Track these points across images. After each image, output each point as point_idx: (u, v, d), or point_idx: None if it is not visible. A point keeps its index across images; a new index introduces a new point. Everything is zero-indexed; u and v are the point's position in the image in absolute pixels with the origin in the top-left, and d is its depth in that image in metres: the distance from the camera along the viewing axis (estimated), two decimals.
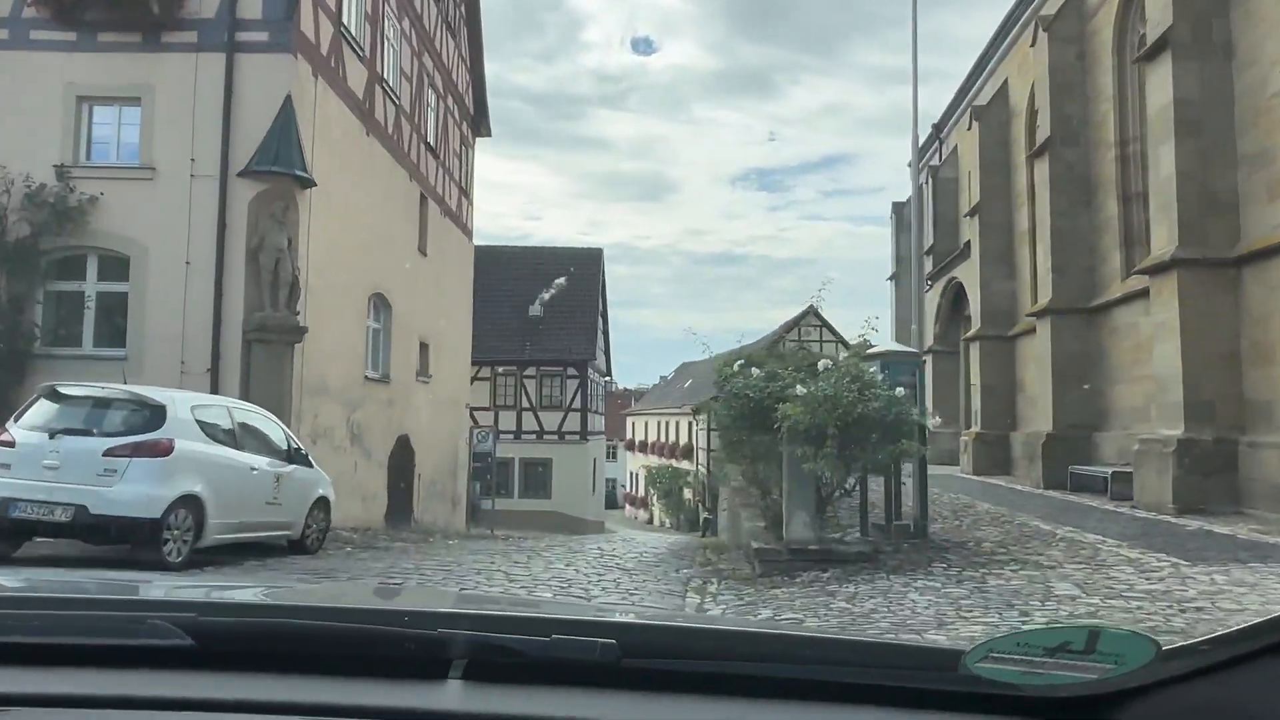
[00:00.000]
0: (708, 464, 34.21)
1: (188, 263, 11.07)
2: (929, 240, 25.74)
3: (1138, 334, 13.73)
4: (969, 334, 20.67)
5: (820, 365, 8.20)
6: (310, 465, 8.74)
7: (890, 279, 30.42)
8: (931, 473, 11.43)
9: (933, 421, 7.76)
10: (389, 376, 16.27)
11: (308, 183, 11.57)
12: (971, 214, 20.79)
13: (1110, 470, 13.10)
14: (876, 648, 1.34)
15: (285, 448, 8.10)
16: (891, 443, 7.23)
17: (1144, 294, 13.45)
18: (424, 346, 19.03)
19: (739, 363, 9.57)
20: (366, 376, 15.05)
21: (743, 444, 11.00)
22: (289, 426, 11.20)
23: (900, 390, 7.63)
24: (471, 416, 30.74)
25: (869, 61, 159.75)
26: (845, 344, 34.34)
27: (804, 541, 7.28)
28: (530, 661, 1.06)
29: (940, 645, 1.51)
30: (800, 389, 7.36)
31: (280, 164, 11.05)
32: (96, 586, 1.81)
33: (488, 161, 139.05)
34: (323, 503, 8.76)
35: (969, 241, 21.12)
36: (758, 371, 8.72)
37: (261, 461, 7.56)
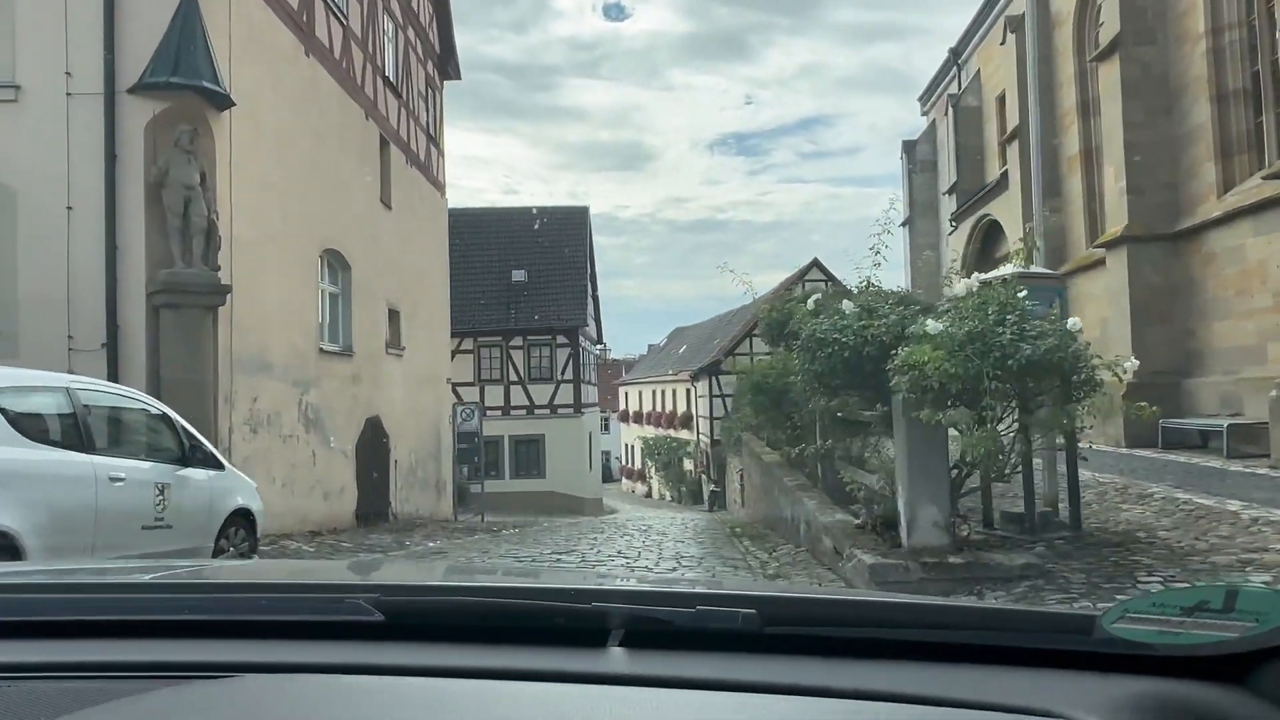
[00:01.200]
0: (710, 433, 32.01)
1: (69, 208, 8.56)
2: (950, 178, 23.34)
3: (1244, 258, 11.45)
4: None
5: (959, 287, 5.84)
6: (221, 467, 6.33)
7: (903, 224, 28.04)
8: None
9: (1128, 365, 5.41)
10: (351, 349, 13.84)
11: (222, 100, 9.05)
12: (1009, 140, 18.40)
13: (1224, 422, 10.89)
14: (1014, 614, 1.41)
15: (178, 446, 5.70)
16: (1071, 398, 4.93)
17: (1253, 210, 11.13)
18: (394, 314, 16.58)
19: (814, 298, 7.25)
20: (323, 349, 12.62)
21: (801, 411, 8.70)
22: (216, 412, 8.79)
23: (1074, 322, 5.29)
24: (455, 393, 28.33)
25: (843, 20, 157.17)
26: (851, 296, 32.09)
27: (938, 550, 4.98)
28: (679, 630, 1.14)
29: (1077, 611, 1.37)
30: (932, 324, 4.99)
31: (183, 74, 8.53)
32: (299, 570, 2.50)
33: (462, 136, 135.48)
34: (242, 517, 6.37)
35: (1005, 172, 18.76)
36: (851, 307, 6.35)
37: (132, 468, 5.15)
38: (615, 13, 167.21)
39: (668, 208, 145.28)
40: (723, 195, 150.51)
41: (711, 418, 31.92)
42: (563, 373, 28.57)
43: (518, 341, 28.50)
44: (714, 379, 31.96)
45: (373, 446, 14.79)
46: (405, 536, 13.28)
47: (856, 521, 6.17)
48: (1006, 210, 18.89)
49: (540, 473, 28.40)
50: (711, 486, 28.93)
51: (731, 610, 1.13)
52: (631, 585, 1.71)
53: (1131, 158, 13.16)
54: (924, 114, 28.40)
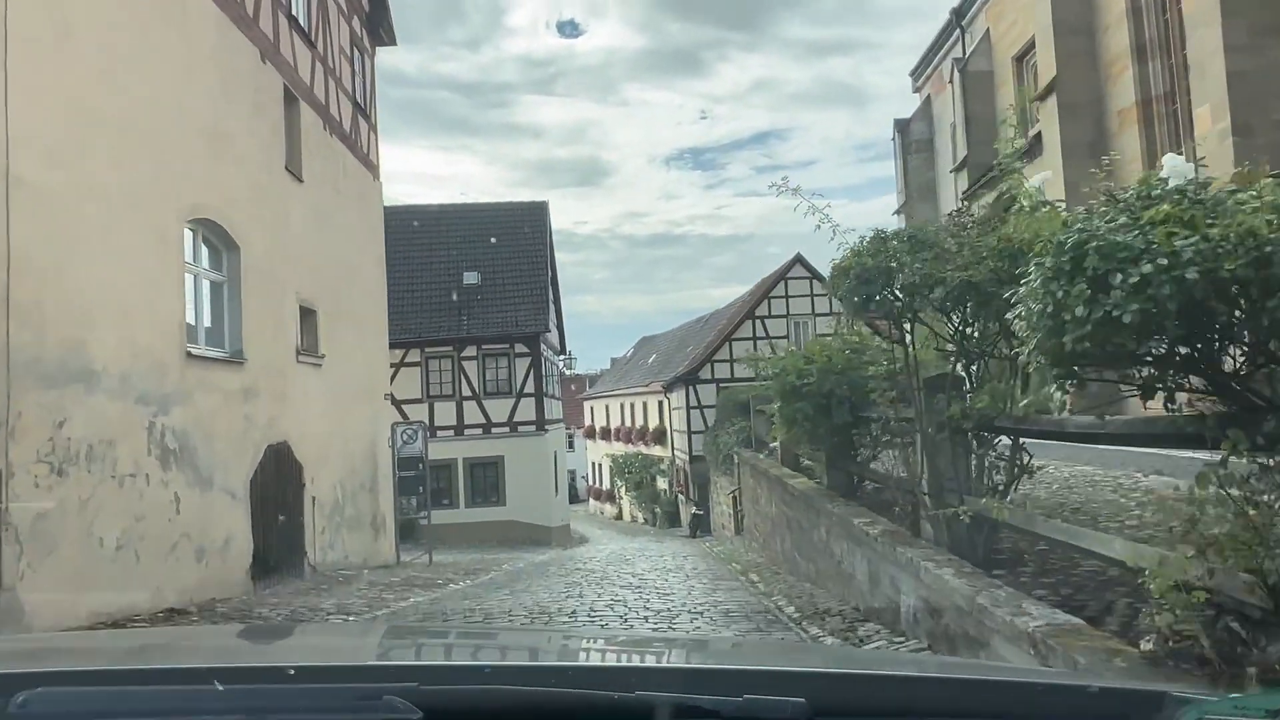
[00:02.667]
0: (688, 449, 28.96)
1: None
2: (959, 151, 20.66)
3: None
4: None
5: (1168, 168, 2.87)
6: None
7: (897, 213, 25.37)
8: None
9: None
10: (242, 354, 10.52)
11: None
12: (1043, 96, 15.70)
13: None
14: (1078, 690, 1.36)
15: None
16: None
17: None
18: (308, 314, 13.29)
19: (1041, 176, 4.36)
20: (193, 354, 9.30)
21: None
22: None
23: None
24: (400, 411, 24.92)
25: (795, 35, 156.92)
26: None
27: None
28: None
29: (1146, 688, 1.34)
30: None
31: None
32: (317, 653, 1.99)
33: (417, 154, 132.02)
34: None
35: (1039, 134, 16.06)
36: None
37: None
38: (569, 30, 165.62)
39: (625, 222, 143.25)
40: (680, 209, 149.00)
41: (689, 431, 28.89)
42: (523, 386, 25.35)
43: (471, 352, 25.23)
44: (691, 389, 28.96)
45: (278, 481, 11.45)
46: (318, 598, 9.97)
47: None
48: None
49: (499, 499, 25.09)
50: (694, 509, 25.84)
51: (780, 700, 1.16)
52: (676, 662, 1.85)
53: (1238, 91, 10.43)
54: (915, 90, 25.84)
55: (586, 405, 49.28)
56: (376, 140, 18.42)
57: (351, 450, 15.14)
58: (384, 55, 18.04)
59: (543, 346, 26.66)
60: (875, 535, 5.82)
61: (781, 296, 29.13)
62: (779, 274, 29.47)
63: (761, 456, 13.32)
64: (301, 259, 12.96)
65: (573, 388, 57.91)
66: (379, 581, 12.20)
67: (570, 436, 58.61)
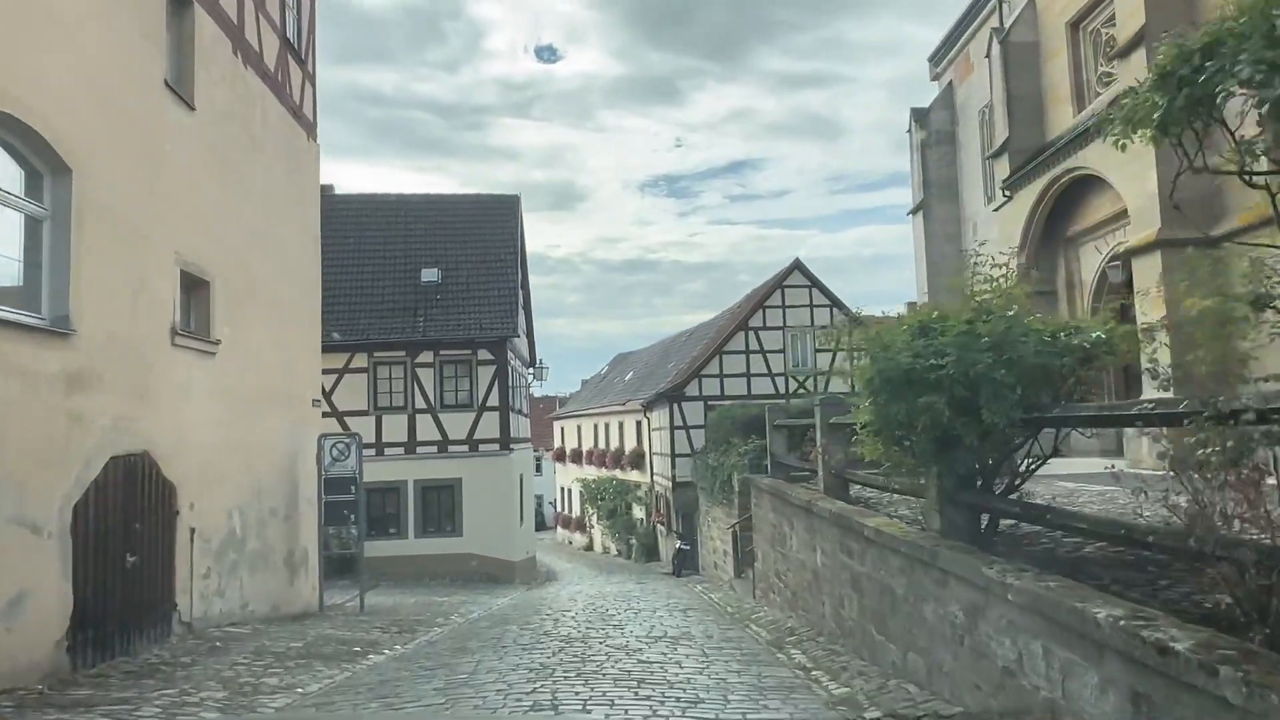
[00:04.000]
0: (671, 474, 25.84)
1: None
2: (999, 136, 17.96)
3: None
4: (1135, 243, 12.82)
5: None
6: None
7: (913, 213, 22.66)
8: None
9: None
10: (69, 324, 7.30)
11: None
12: (1126, 51, 12.99)
13: None
14: None
15: None
16: None
17: None
18: (197, 285, 10.09)
19: None
20: None
21: None
22: None
23: None
24: (341, 424, 21.57)
25: (771, 67, 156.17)
26: (841, 305, 26.38)
27: None
28: None
29: None
30: None
31: None
32: None
33: (392, 174, 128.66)
34: None
35: (1115, 100, 13.29)
36: None
37: None
38: (547, 55, 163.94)
39: (599, 247, 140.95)
40: (654, 236, 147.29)
41: (673, 454, 25.78)
42: (486, 399, 22.12)
43: (426, 358, 21.99)
44: (675, 407, 25.90)
45: (128, 508, 8.17)
46: (154, 688, 6.70)
47: None
48: (1112, 158, 13.42)
49: (455, 529, 21.74)
50: (678, 543, 22.67)
51: None
52: None
53: None
54: (934, 77, 23.24)
55: (556, 425, 46.02)
56: (314, 96, 15.30)
57: (259, 468, 11.85)
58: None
59: (510, 355, 23.49)
60: (1184, 651, 2.74)
61: (777, 306, 26.26)
62: (775, 281, 26.61)
63: (792, 485, 10.26)
64: (189, 211, 9.76)
65: (541, 406, 54.62)
66: (272, 647, 8.90)
67: (538, 459, 55.23)
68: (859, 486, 8.68)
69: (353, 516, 13.98)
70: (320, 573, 13.86)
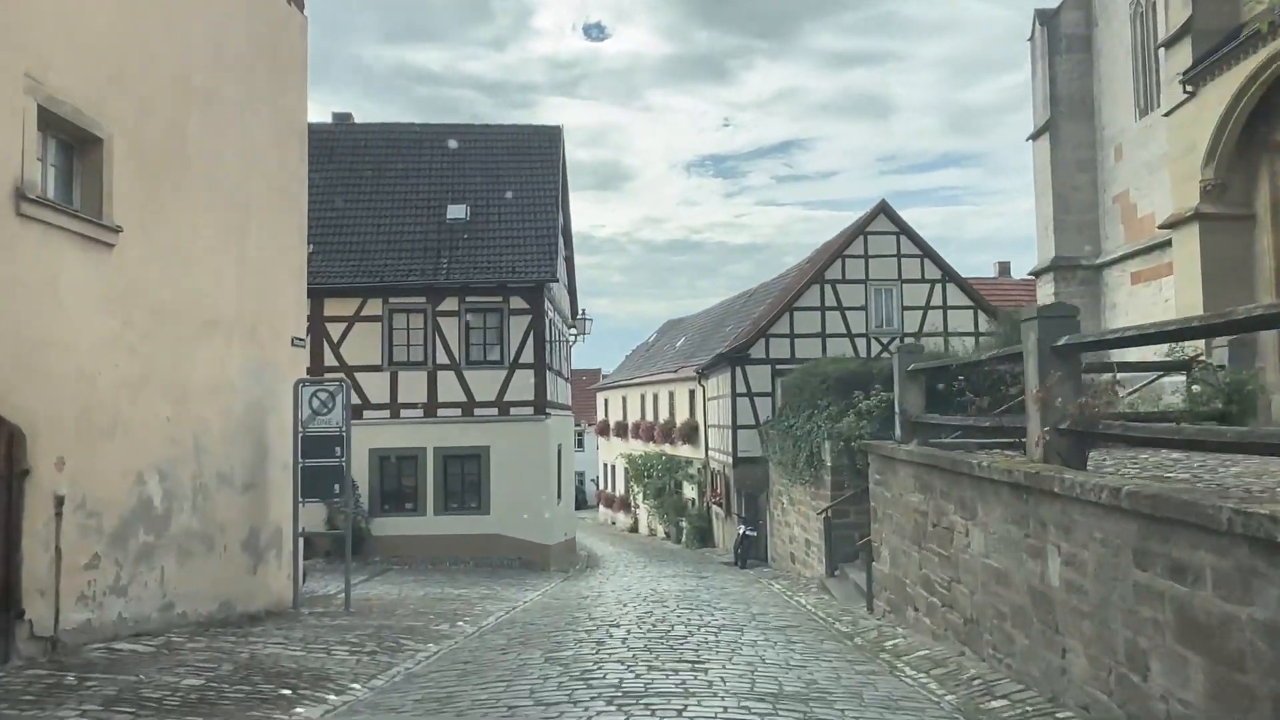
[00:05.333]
0: (731, 448, 22.39)
1: None
2: (1176, 16, 13.98)
3: None
4: None
5: None
6: None
7: (1034, 137, 18.72)
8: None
9: None
10: None
11: None
12: None
13: None
14: None
15: None
16: None
17: None
18: (81, 140, 6.87)
19: None
20: None
21: None
22: None
23: None
24: (351, 380, 18.44)
25: (821, 45, 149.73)
26: (935, 257, 22.57)
27: None
28: None
29: None
30: None
31: None
32: None
33: None
34: None
35: None
36: None
37: None
38: (595, 33, 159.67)
39: (644, 227, 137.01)
40: (699, 216, 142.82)
41: (734, 426, 22.31)
42: (518, 354, 18.85)
43: (450, 305, 18.77)
44: (737, 372, 22.39)
45: None
46: None
47: None
48: None
49: (480, 505, 18.57)
50: (741, 528, 19.22)
51: None
52: None
53: None
54: None
55: (600, 397, 42.81)
56: None
57: (198, 418, 8.66)
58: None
59: (547, 306, 20.17)
60: None
61: (859, 256, 22.51)
62: (857, 227, 22.84)
63: (970, 452, 6.72)
64: (61, 23, 6.50)
65: (584, 379, 51.45)
66: (154, 685, 5.66)
67: (579, 433, 52.14)
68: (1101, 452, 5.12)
69: (338, 487, 10.76)
70: (298, 559, 10.69)
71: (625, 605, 10.21)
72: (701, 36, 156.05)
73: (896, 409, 8.88)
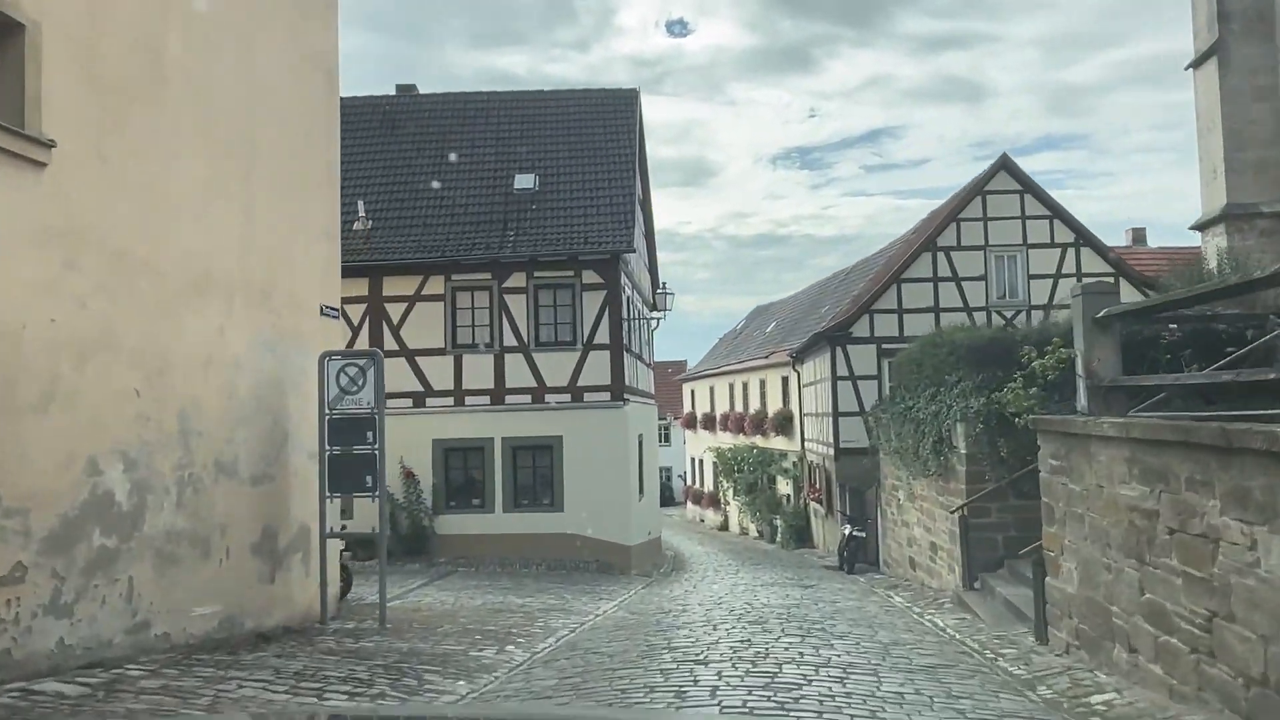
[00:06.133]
0: (832, 437, 20.09)
1: None
2: None
3: None
4: None
5: None
6: None
7: (1198, 63, 15.76)
8: None
9: None
10: None
11: None
12: None
13: None
14: None
15: None
16: None
17: None
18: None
19: None
20: None
21: None
22: None
23: None
24: (412, 365, 17.00)
25: (910, 29, 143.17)
26: (1066, 217, 19.63)
27: None
28: None
29: None
30: None
31: None
32: None
33: None
34: None
35: None
36: None
37: None
38: (678, 29, 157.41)
39: (729, 223, 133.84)
40: (785, 210, 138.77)
41: (835, 413, 19.98)
42: (593, 334, 17.01)
43: (518, 280, 17.06)
44: (838, 353, 20.03)
45: None
46: None
47: None
48: None
49: (554, 502, 16.81)
50: (848, 528, 16.89)
51: None
52: None
53: None
54: None
55: (685, 389, 40.78)
56: None
57: (184, 395, 7.04)
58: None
59: (624, 281, 18.27)
60: None
61: (976, 219, 19.82)
62: (974, 187, 20.12)
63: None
64: None
65: (670, 371, 49.52)
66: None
67: (665, 426, 50.21)
68: None
69: (370, 479, 9.04)
70: (324, 564, 9.03)
71: (716, 627, 8.15)
72: (785, 26, 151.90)
73: (1080, 372, 6.56)
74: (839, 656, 6.33)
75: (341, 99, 22.08)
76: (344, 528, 12.86)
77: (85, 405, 5.93)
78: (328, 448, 9.03)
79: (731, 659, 6.28)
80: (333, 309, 10.11)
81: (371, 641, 7.85)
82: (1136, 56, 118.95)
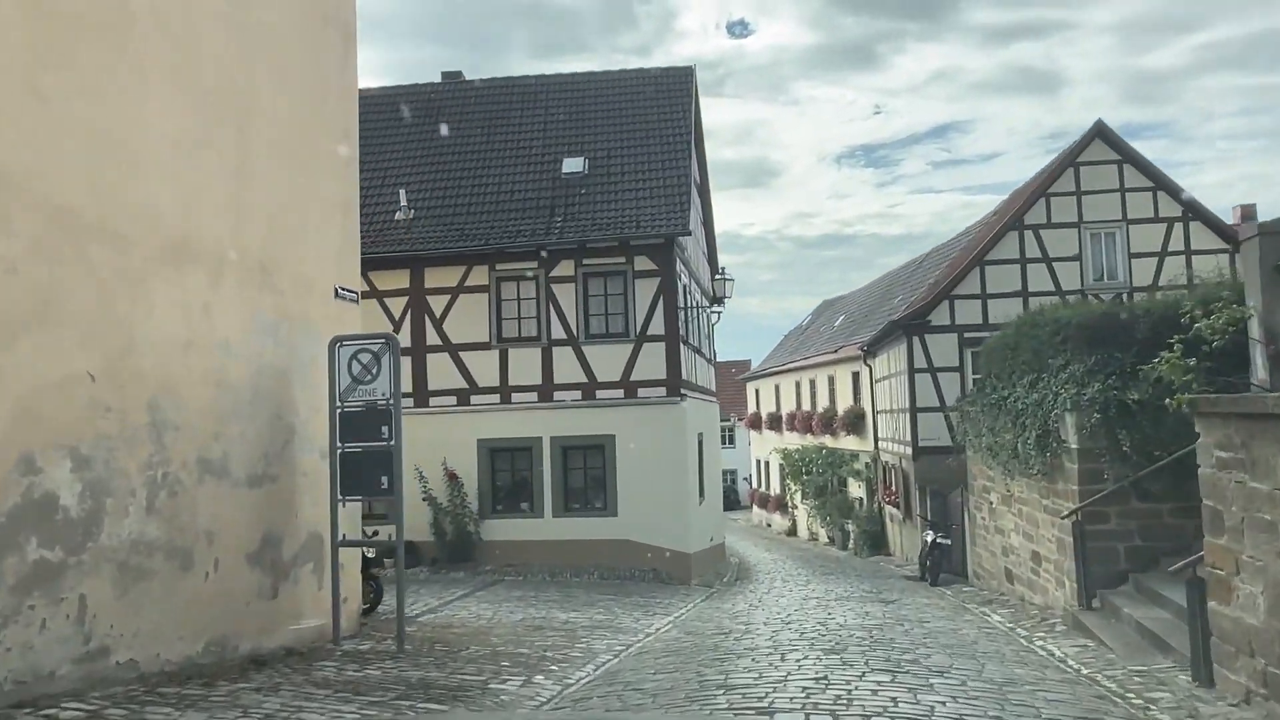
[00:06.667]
0: (911, 435, 18.50)
1: None
2: None
3: None
4: None
5: None
6: None
7: None
8: None
9: None
10: None
11: None
12: None
13: None
14: None
15: None
16: None
17: None
18: None
19: None
20: None
21: None
22: None
23: None
24: (456, 360, 16.05)
25: (978, 20, 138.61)
26: (1171, 189, 17.53)
27: None
28: None
29: None
30: None
31: None
32: None
33: None
34: None
35: None
36: None
37: None
38: (739, 29, 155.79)
39: (793, 224, 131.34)
40: (850, 209, 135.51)
41: (912, 408, 18.40)
42: (646, 324, 15.79)
43: (566, 269, 15.97)
44: (914, 344, 18.45)
45: None
46: None
47: None
48: None
49: (606, 506, 15.63)
50: (929, 534, 15.29)
51: None
52: None
53: None
54: None
55: (750, 388, 39.28)
56: None
57: (158, 383, 6.06)
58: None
59: (680, 269, 17.01)
60: None
61: (1069, 193, 17.97)
62: (1065, 158, 18.26)
63: None
64: None
65: (733, 371, 48.01)
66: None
67: (729, 428, 48.67)
68: None
69: (386, 480, 7.96)
70: (336, 576, 7.98)
71: (784, 656, 6.82)
72: (848, 23, 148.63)
73: (1256, 336, 5.05)
74: (944, 706, 4.94)
75: (385, 89, 21.33)
76: (374, 533, 11.94)
77: (15, 391, 4.95)
78: (339, 444, 8.01)
79: (804, 706, 4.95)
80: (350, 291, 9.10)
81: (380, 668, 6.75)
82: (1221, 39, 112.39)
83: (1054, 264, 17.99)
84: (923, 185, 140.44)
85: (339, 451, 8.00)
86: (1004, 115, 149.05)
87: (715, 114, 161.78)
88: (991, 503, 12.49)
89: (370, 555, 10.96)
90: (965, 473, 14.12)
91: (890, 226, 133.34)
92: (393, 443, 7.91)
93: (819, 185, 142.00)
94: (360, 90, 21.18)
